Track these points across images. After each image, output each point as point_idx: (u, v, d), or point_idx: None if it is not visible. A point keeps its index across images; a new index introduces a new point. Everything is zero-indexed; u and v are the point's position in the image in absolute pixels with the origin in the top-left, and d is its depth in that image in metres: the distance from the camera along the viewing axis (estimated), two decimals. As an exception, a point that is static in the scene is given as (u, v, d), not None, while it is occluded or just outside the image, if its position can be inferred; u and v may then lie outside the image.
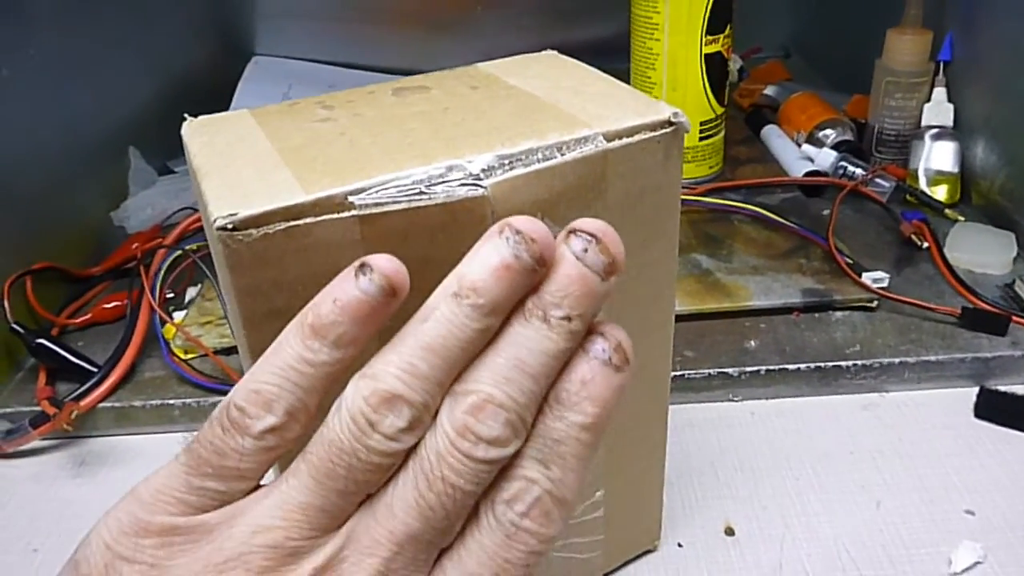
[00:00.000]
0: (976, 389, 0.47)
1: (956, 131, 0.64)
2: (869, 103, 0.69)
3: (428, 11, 0.90)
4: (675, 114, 0.28)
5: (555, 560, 0.35)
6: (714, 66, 0.65)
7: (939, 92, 0.64)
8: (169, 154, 0.75)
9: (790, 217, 0.61)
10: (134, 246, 0.61)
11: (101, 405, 0.48)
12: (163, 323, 0.52)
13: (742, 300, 0.53)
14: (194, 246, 0.56)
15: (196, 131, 0.30)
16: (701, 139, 0.68)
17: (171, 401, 0.49)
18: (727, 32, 0.65)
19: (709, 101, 0.66)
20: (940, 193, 0.63)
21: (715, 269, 0.56)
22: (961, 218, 0.61)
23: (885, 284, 0.53)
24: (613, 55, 0.62)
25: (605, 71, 0.32)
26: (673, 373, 0.47)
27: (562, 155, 0.26)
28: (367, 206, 0.24)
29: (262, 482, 0.21)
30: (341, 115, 0.30)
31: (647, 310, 0.32)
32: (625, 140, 0.27)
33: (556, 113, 0.28)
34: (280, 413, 0.20)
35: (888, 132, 0.68)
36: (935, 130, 0.64)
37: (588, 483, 0.34)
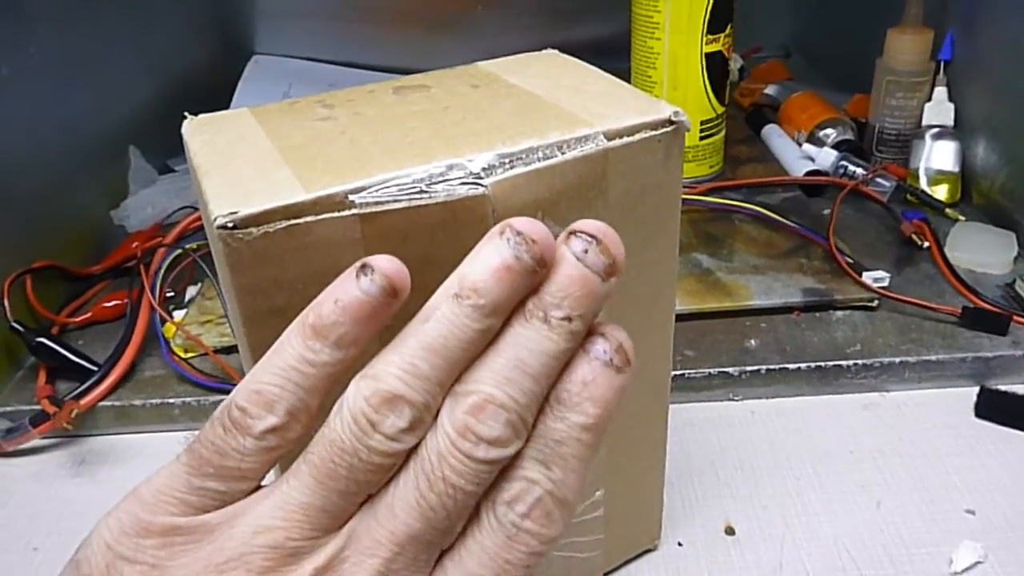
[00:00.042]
0: (977, 389, 0.47)
1: (957, 130, 0.64)
2: (870, 102, 0.69)
3: (428, 10, 0.90)
4: (676, 113, 0.28)
5: (555, 559, 0.35)
6: (715, 65, 0.65)
7: (940, 91, 0.64)
8: (169, 153, 0.75)
9: (791, 216, 0.61)
10: (134, 245, 0.61)
11: (101, 404, 0.48)
12: (163, 322, 0.52)
13: (743, 299, 0.53)
14: (194, 245, 0.56)
15: (196, 130, 0.30)
16: (702, 138, 0.68)
17: (171, 400, 0.49)
18: (728, 31, 0.65)
19: (710, 100, 0.66)
20: (941, 193, 0.63)
21: (716, 268, 0.56)
22: (962, 218, 0.60)
23: (886, 284, 0.53)
24: (614, 54, 0.62)
25: (606, 70, 0.32)
26: (673, 372, 0.47)
27: (563, 154, 0.26)
28: (367, 205, 0.23)
29: (263, 483, 0.21)
30: (341, 114, 0.30)
31: (648, 309, 0.32)
32: (626, 139, 0.27)
33: (557, 112, 0.28)
34: (281, 413, 0.20)
35: (889, 131, 0.68)
36: (936, 129, 0.64)
37: (588, 482, 0.34)
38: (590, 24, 0.90)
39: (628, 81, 0.41)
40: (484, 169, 0.25)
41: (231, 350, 0.51)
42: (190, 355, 0.51)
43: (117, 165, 0.70)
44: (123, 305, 0.55)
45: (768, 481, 0.43)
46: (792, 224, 0.60)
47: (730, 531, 0.40)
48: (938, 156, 0.63)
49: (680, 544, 0.40)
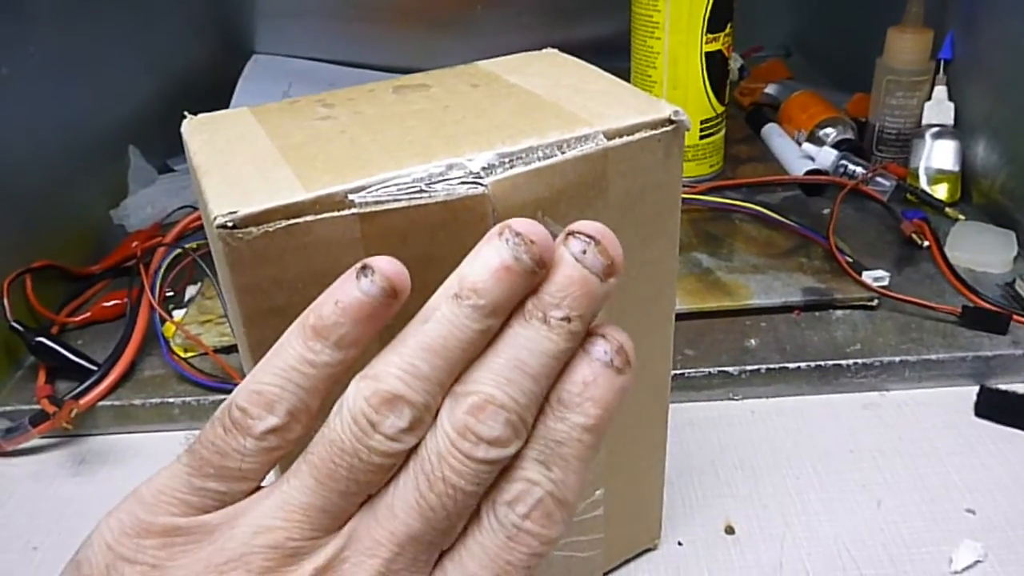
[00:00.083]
0: (977, 388, 0.47)
1: (957, 130, 0.64)
2: (870, 102, 0.69)
3: (428, 9, 0.90)
4: (676, 112, 0.28)
5: (555, 559, 0.35)
6: (715, 65, 0.65)
7: (940, 91, 0.64)
8: (169, 152, 0.75)
9: (791, 216, 0.61)
10: (134, 244, 0.61)
11: (101, 403, 0.48)
12: (163, 321, 0.52)
13: (743, 299, 0.53)
14: (194, 244, 0.56)
15: (196, 129, 0.30)
16: (702, 138, 0.68)
17: (171, 399, 0.49)
18: (728, 31, 0.65)
19: (710, 100, 0.66)
20: (941, 192, 0.63)
21: (715, 268, 0.56)
22: (962, 217, 0.60)
23: (886, 283, 0.53)
24: (614, 54, 0.62)
25: (606, 70, 0.32)
26: (673, 372, 0.47)
27: (563, 153, 0.26)
28: (367, 204, 0.23)
29: (263, 483, 0.21)
30: (341, 113, 0.30)
31: (648, 308, 0.32)
32: (626, 138, 0.27)
33: (557, 111, 0.28)
34: (282, 414, 0.20)
35: (889, 131, 0.68)
36: (936, 129, 0.64)
37: (588, 482, 0.34)
38: (590, 23, 0.90)
39: (628, 80, 0.41)
40: (484, 168, 0.25)
41: (231, 350, 0.51)
42: (190, 355, 0.51)
43: (117, 164, 0.70)
44: (123, 305, 0.55)
45: (768, 480, 0.43)
46: (792, 223, 0.60)
47: (730, 530, 0.40)
48: (938, 155, 0.63)
49: (680, 543, 0.40)
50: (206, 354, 0.51)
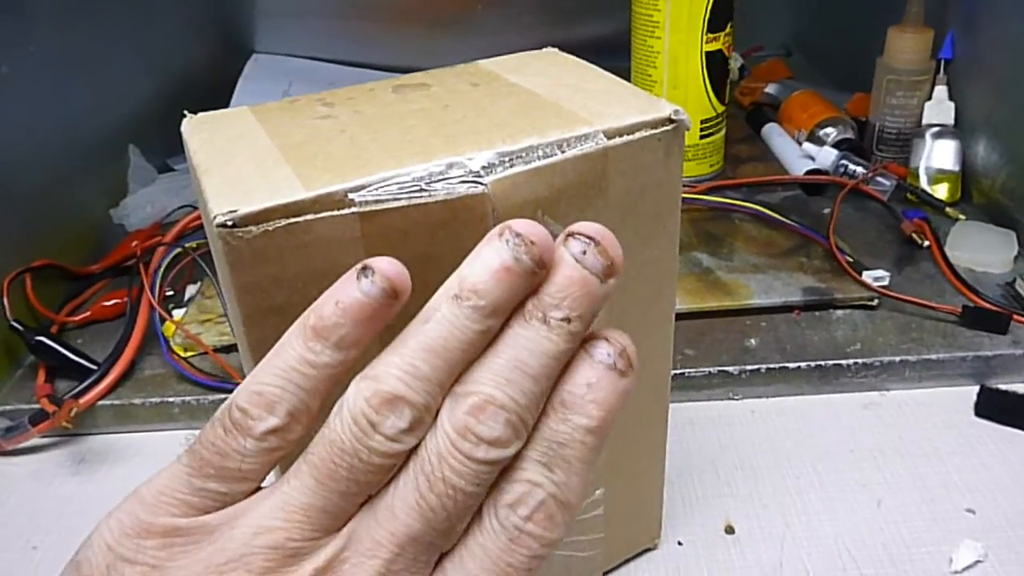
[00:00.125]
0: (977, 388, 0.47)
1: (957, 129, 0.64)
2: (870, 101, 0.69)
3: (429, 9, 0.90)
4: (676, 112, 0.28)
5: (555, 558, 0.35)
6: (715, 64, 0.65)
7: (940, 90, 0.64)
8: (169, 152, 0.75)
9: (791, 215, 0.61)
10: (134, 244, 0.61)
11: (100, 403, 0.48)
12: (163, 321, 0.52)
13: (743, 298, 0.53)
14: (194, 244, 0.56)
15: (196, 128, 0.29)
16: (702, 137, 0.68)
17: (171, 399, 0.49)
18: (728, 30, 0.65)
19: (710, 99, 0.66)
20: (941, 192, 0.63)
21: (716, 267, 0.56)
22: (962, 217, 0.60)
23: (886, 283, 0.53)
24: (614, 53, 0.62)
25: (606, 69, 0.32)
26: (673, 371, 0.47)
27: (563, 152, 0.26)
28: (367, 203, 0.23)
29: (263, 484, 0.21)
30: (341, 112, 0.29)
31: (648, 308, 0.32)
32: (626, 137, 0.27)
33: (557, 110, 0.28)
34: (282, 414, 0.20)
35: (889, 130, 0.68)
36: (936, 128, 0.64)
37: (588, 482, 0.34)
38: (590, 23, 0.90)
39: (628, 80, 0.41)
40: (484, 167, 0.25)
41: (231, 349, 0.51)
42: (190, 354, 0.51)
43: (117, 164, 0.70)
44: (122, 304, 0.55)
45: (768, 480, 0.43)
46: (792, 223, 0.60)
47: (730, 530, 0.40)
48: (938, 155, 0.63)
49: (680, 543, 0.40)
50: (206, 353, 0.50)
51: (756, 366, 0.48)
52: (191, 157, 0.28)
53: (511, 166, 0.25)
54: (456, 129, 0.27)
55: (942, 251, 0.56)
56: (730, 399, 0.49)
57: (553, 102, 0.29)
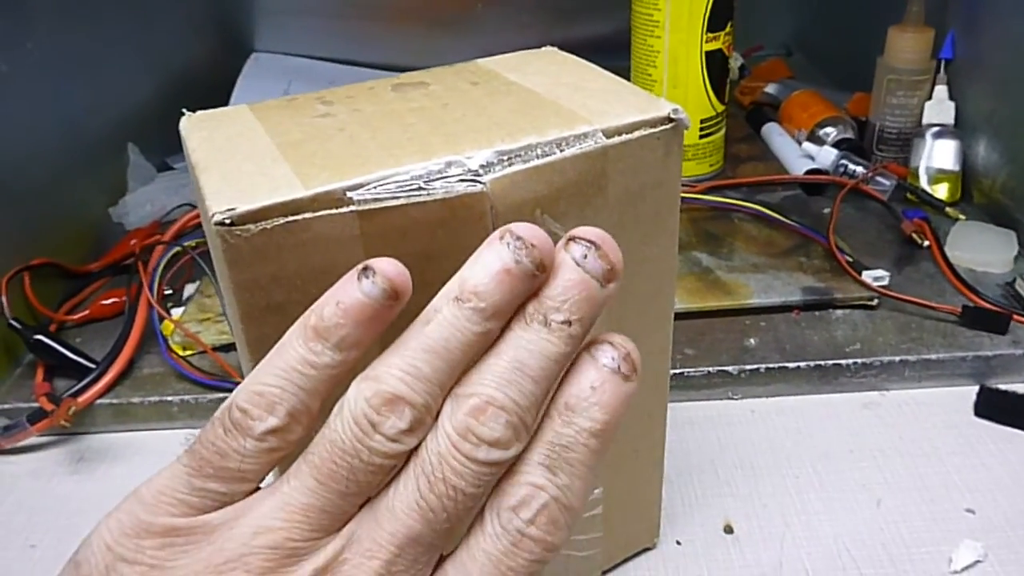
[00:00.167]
0: (977, 388, 0.47)
1: (957, 129, 0.64)
2: (870, 101, 0.69)
3: (428, 8, 0.90)
4: (675, 111, 0.28)
5: (554, 557, 0.35)
6: (715, 64, 0.65)
7: (940, 90, 0.64)
8: (168, 150, 0.75)
9: (791, 215, 0.61)
10: (132, 242, 0.61)
11: (99, 401, 0.48)
12: (161, 319, 0.52)
13: (742, 298, 0.53)
14: (193, 242, 0.56)
15: (195, 126, 0.29)
16: (702, 137, 0.68)
17: (169, 397, 0.48)
18: (728, 30, 0.65)
19: (710, 99, 0.66)
20: (941, 191, 0.63)
21: (715, 267, 0.56)
22: (962, 216, 0.60)
23: (886, 282, 0.53)
24: (614, 52, 0.62)
25: (606, 68, 0.32)
26: (673, 371, 0.47)
27: (562, 151, 0.26)
28: (366, 201, 0.23)
29: (263, 484, 0.21)
30: (340, 110, 0.29)
31: (647, 307, 0.32)
32: (625, 136, 0.27)
33: (556, 109, 0.28)
34: (282, 415, 0.20)
35: (889, 130, 0.68)
36: (936, 128, 0.63)
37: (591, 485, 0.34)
38: (590, 22, 0.90)
39: (628, 79, 0.41)
40: (483, 166, 0.25)
41: (229, 347, 0.51)
42: (188, 353, 0.51)
43: (116, 162, 0.70)
44: (121, 303, 0.55)
45: (768, 480, 0.43)
46: (792, 223, 0.60)
47: (729, 530, 0.40)
48: (939, 155, 0.63)
49: (679, 543, 0.40)
50: (205, 352, 0.50)
51: (756, 366, 0.48)
52: (190, 155, 0.27)
53: (510, 165, 0.25)
54: (455, 128, 0.27)
55: (942, 251, 0.56)
56: (730, 399, 0.49)
57: (552, 101, 0.29)
